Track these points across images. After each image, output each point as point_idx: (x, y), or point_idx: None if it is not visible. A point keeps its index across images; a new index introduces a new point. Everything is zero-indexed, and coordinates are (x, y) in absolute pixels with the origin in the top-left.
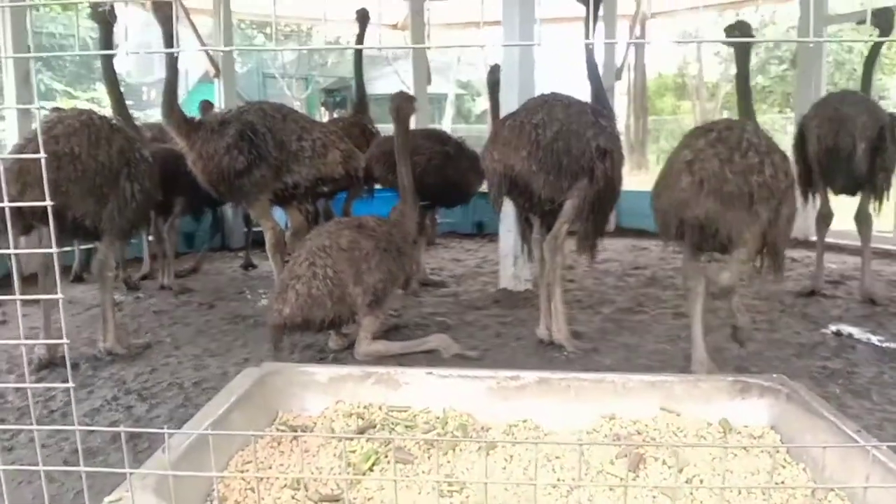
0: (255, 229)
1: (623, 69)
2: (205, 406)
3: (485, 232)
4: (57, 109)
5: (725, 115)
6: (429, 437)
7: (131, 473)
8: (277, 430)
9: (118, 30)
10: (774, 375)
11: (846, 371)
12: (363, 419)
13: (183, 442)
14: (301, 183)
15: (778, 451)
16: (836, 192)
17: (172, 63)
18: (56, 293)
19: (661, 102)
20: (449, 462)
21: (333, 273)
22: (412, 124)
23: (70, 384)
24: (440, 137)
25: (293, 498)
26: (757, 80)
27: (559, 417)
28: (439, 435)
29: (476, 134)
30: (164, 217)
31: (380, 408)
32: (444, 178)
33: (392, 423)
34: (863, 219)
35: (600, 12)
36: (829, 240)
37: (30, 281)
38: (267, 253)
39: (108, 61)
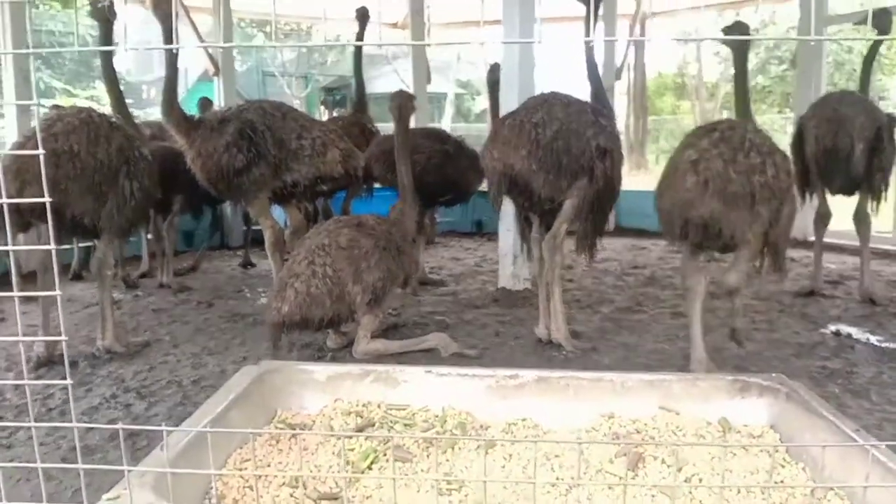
0: (254, 228)
1: (623, 69)
2: (203, 404)
3: (484, 231)
4: (56, 107)
5: (725, 114)
6: (428, 435)
7: (129, 471)
8: (276, 428)
9: (118, 27)
10: (774, 375)
11: (845, 371)
12: (362, 417)
13: (181, 440)
14: (300, 181)
15: (777, 451)
16: (834, 193)
17: (172, 61)
18: (55, 291)
19: (661, 102)
20: (448, 460)
21: (332, 272)
22: (412, 123)
23: (68, 381)
24: (440, 136)
25: (292, 496)
26: (757, 80)
27: (558, 416)
28: (438, 433)
29: (476, 133)
30: (163, 215)
31: (378, 406)
32: (443, 176)
33: (391, 422)
34: (861, 219)
35: (600, 12)
36: (828, 240)
37: (29, 279)
38: (266, 251)
39: (107, 59)
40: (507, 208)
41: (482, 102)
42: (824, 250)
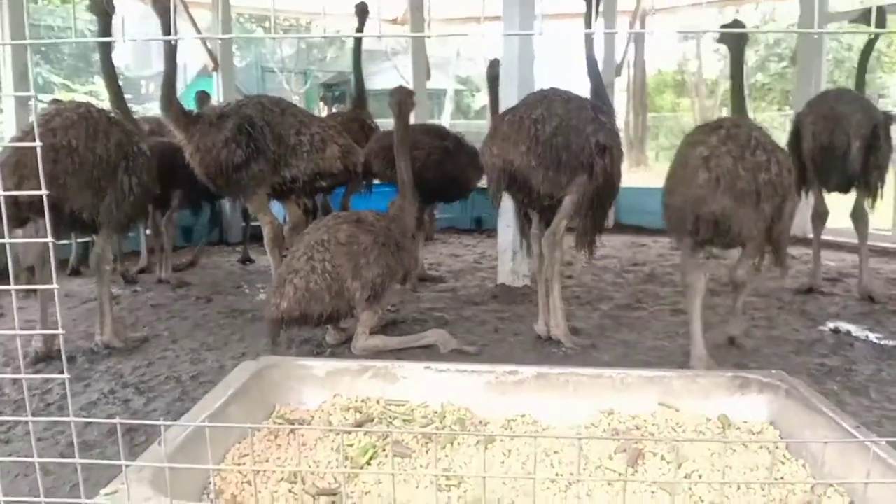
0: (253, 223)
1: (623, 65)
2: (202, 399)
3: (483, 227)
4: (56, 101)
5: (724, 111)
6: (427, 430)
7: (127, 466)
8: (275, 423)
9: (116, 22)
10: (773, 371)
11: (844, 368)
12: (361, 413)
13: (179, 434)
14: (299, 177)
15: (777, 447)
16: (830, 190)
17: (171, 56)
18: (52, 287)
19: (661, 99)
20: (447, 456)
21: (332, 267)
22: (411, 120)
23: (65, 375)
24: (439, 132)
25: (290, 491)
26: (756, 78)
27: (557, 412)
28: (437, 429)
29: (475, 129)
30: (161, 211)
31: (377, 402)
32: (443, 173)
33: (390, 417)
34: (859, 216)
35: (601, 8)
36: (827, 237)
37: (26, 275)
38: (265, 247)
39: (106, 54)
40: (507, 205)
41: (482, 99)
42: (823, 248)
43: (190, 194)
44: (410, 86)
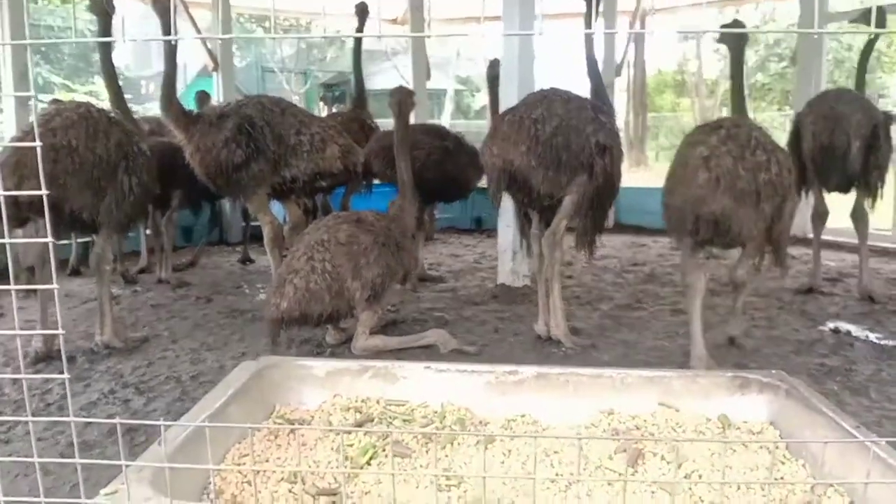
0: (253, 223)
1: (623, 65)
2: (202, 399)
3: (483, 227)
4: (56, 101)
5: (724, 111)
6: (428, 430)
7: (127, 465)
8: (275, 423)
9: (116, 22)
10: (774, 371)
11: (844, 368)
12: (361, 413)
13: (179, 434)
14: (299, 177)
15: (777, 447)
16: (830, 190)
17: (171, 56)
18: (52, 287)
19: (661, 99)
20: (447, 456)
21: (332, 267)
22: (411, 120)
23: (65, 375)
24: (439, 132)
25: (290, 491)
26: (757, 78)
27: (557, 412)
28: (437, 429)
29: (475, 130)
30: (161, 211)
31: (377, 402)
32: (443, 173)
33: (390, 417)
34: (859, 216)
35: (600, 8)
36: (827, 237)
37: (26, 275)
38: (265, 247)
39: (106, 54)
40: (507, 205)
41: (482, 99)
42: (823, 248)
43: (190, 194)
44: (410, 86)
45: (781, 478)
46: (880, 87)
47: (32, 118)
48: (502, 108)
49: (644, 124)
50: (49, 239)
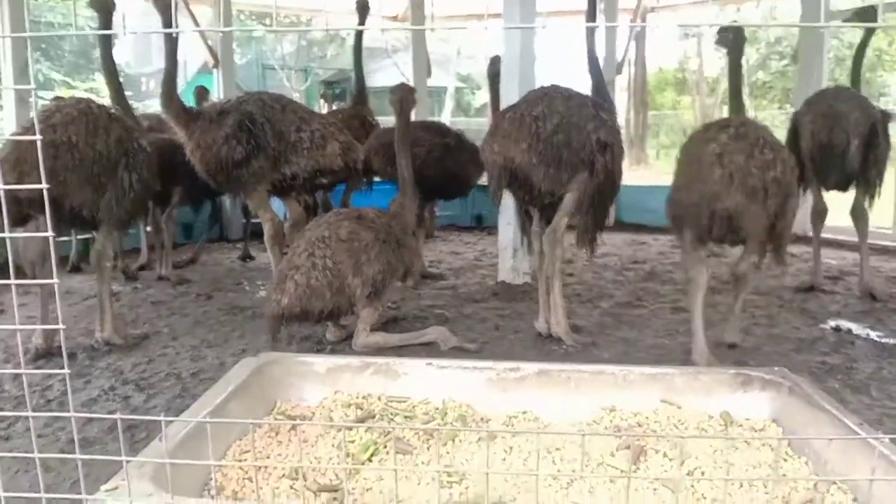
0: (253, 220)
1: (623, 64)
2: (202, 396)
3: (484, 225)
4: (58, 99)
5: (725, 109)
6: (430, 426)
7: (128, 461)
8: (276, 419)
9: (117, 18)
10: (776, 368)
11: (845, 366)
12: (362, 409)
13: (180, 430)
14: (299, 174)
15: (779, 444)
16: (829, 189)
17: (172, 53)
18: (52, 282)
19: (662, 97)
20: (448, 453)
21: (333, 264)
22: (412, 117)
23: (66, 371)
24: (440, 129)
25: (291, 488)
26: (757, 76)
27: (559, 409)
28: (439, 426)
29: (475, 127)
30: (161, 207)
31: (379, 398)
32: (443, 170)
33: (391, 414)
34: (859, 214)
35: (601, 5)
36: (828, 236)
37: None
38: (265, 244)
39: (107, 50)
40: (507, 202)
41: (482, 97)
42: (824, 246)
43: (190, 191)
44: (411, 83)
45: (784, 475)
46: (881, 85)
47: (32, 114)
48: (503, 105)
49: (645, 122)
50: (50, 233)
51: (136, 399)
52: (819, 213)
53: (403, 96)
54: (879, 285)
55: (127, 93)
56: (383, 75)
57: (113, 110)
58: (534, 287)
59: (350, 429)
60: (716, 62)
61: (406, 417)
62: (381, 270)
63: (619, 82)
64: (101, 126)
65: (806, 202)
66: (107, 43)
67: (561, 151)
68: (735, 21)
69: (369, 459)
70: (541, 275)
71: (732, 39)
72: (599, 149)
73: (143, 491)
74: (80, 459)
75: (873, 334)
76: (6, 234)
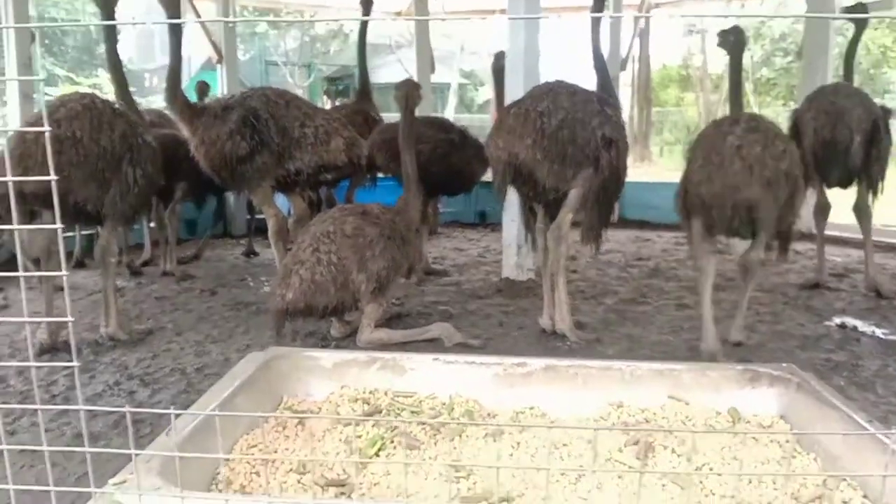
0: (257, 216)
1: (627, 60)
2: (208, 390)
3: (488, 221)
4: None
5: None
6: (439, 421)
7: (136, 454)
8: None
9: (120, 14)
10: (784, 364)
11: (851, 363)
12: (368, 404)
13: (188, 424)
14: (303, 170)
15: (788, 440)
16: (831, 185)
17: (176, 49)
18: (60, 274)
19: (665, 94)
20: (455, 448)
21: (337, 259)
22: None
23: (74, 363)
24: (444, 126)
25: (299, 482)
26: (762, 73)
27: (566, 405)
28: (446, 421)
29: (479, 124)
30: (165, 203)
31: (385, 393)
32: (447, 166)
33: (398, 409)
34: (862, 211)
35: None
36: (832, 233)
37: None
38: (269, 240)
39: (111, 45)
40: (512, 198)
41: (485, 93)
42: (829, 243)
43: (194, 187)
44: (414, 79)
45: (793, 471)
46: (886, 82)
47: (38, 108)
48: (508, 100)
49: (648, 119)
50: (58, 225)
51: (140, 394)
52: (822, 209)
53: (408, 92)
54: (885, 282)
55: (130, 89)
56: (387, 71)
57: (117, 105)
58: (538, 283)
59: (358, 423)
60: (720, 59)
61: (413, 412)
62: (385, 266)
63: (622, 79)
64: (106, 121)
65: (809, 199)
66: (111, 37)
67: (566, 147)
68: (742, 12)
69: (376, 454)
70: (545, 271)
71: (733, 41)
72: (604, 145)
73: (152, 485)
74: (89, 453)
75: (878, 331)
76: (14, 227)
